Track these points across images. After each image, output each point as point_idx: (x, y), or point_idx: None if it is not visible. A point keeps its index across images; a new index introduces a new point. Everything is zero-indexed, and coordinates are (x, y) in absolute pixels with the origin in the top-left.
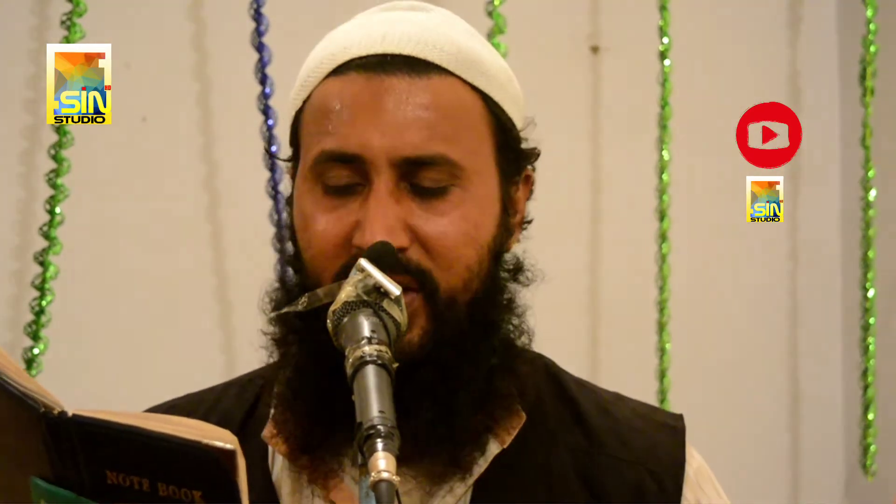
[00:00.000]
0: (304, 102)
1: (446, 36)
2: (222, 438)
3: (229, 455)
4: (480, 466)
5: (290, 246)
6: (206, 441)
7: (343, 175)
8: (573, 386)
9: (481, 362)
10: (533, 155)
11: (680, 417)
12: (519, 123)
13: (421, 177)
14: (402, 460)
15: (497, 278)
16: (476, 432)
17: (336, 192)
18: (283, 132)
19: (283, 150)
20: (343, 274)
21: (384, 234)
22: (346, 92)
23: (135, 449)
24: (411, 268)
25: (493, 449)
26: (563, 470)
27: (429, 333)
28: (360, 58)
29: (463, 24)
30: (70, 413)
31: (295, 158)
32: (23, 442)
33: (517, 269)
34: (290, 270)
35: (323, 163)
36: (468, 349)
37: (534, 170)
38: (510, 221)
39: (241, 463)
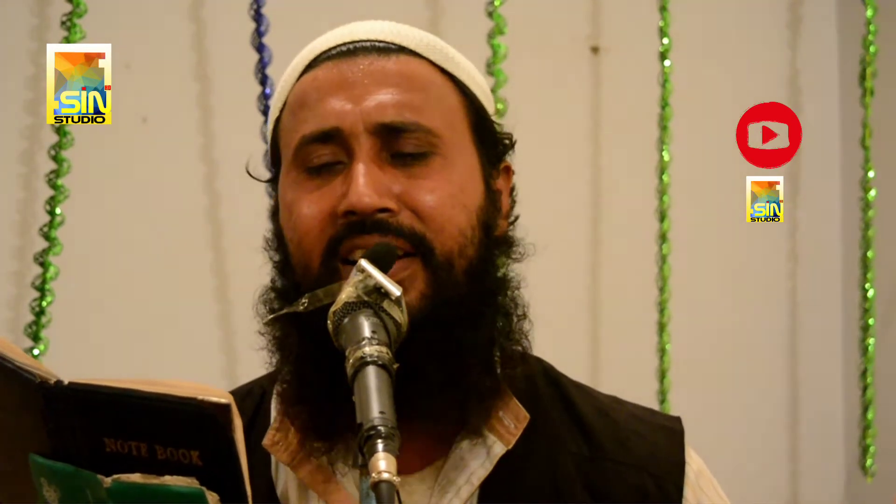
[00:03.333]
0: (282, 110)
1: (414, 29)
2: (217, 394)
3: (224, 410)
4: (486, 468)
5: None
6: (200, 397)
7: (325, 154)
8: (572, 390)
9: (483, 327)
10: (510, 142)
11: (678, 420)
12: (490, 114)
13: (401, 144)
14: (410, 423)
15: (490, 250)
16: (485, 393)
17: (319, 172)
18: None
19: None
20: (331, 250)
21: (371, 194)
22: (318, 79)
23: (131, 413)
24: (405, 231)
25: (498, 450)
26: (566, 475)
27: (427, 297)
28: (329, 49)
29: None
30: (66, 382)
31: (275, 176)
32: (21, 419)
33: (508, 244)
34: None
35: (304, 147)
36: (469, 313)
37: (513, 172)
38: (496, 201)
39: (238, 422)
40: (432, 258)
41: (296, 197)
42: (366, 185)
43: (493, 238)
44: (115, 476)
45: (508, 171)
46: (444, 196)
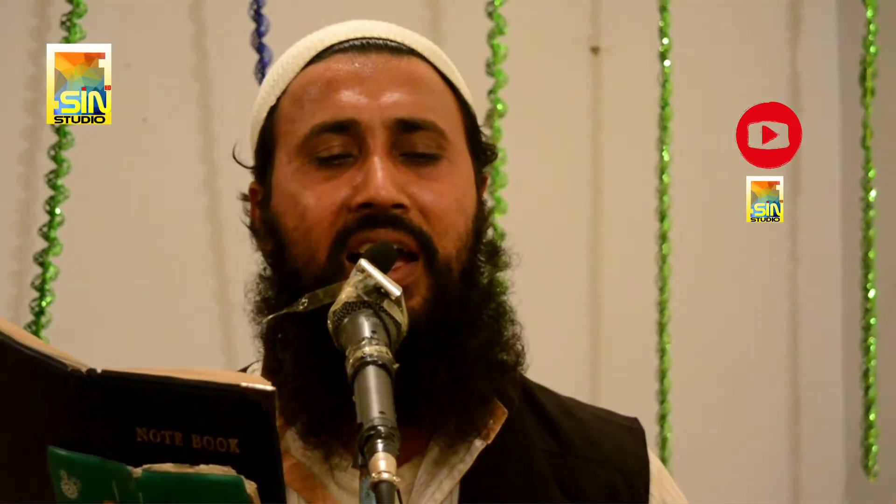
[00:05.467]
0: (280, 98)
1: (415, 33)
2: (259, 382)
3: (269, 397)
4: (466, 463)
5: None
6: (244, 384)
7: (336, 145)
8: (536, 390)
9: (482, 330)
10: (492, 153)
11: (636, 420)
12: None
13: (413, 143)
14: (417, 425)
15: (478, 256)
16: (487, 395)
17: (329, 163)
18: None
19: None
20: (341, 241)
21: (389, 187)
22: (331, 70)
23: (167, 401)
24: (414, 229)
25: (478, 445)
26: (541, 472)
27: (429, 301)
28: (340, 42)
29: None
30: (99, 370)
31: (263, 164)
32: (40, 411)
33: (492, 252)
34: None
35: (315, 136)
36: (467, 317)
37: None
38: (484, 208)
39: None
40: (435, 261)
41: (302, 186)
42: (384, 178)
43: (481, 244)
44: (146, 466)
45: (486, 181)
46: (451, 200)
